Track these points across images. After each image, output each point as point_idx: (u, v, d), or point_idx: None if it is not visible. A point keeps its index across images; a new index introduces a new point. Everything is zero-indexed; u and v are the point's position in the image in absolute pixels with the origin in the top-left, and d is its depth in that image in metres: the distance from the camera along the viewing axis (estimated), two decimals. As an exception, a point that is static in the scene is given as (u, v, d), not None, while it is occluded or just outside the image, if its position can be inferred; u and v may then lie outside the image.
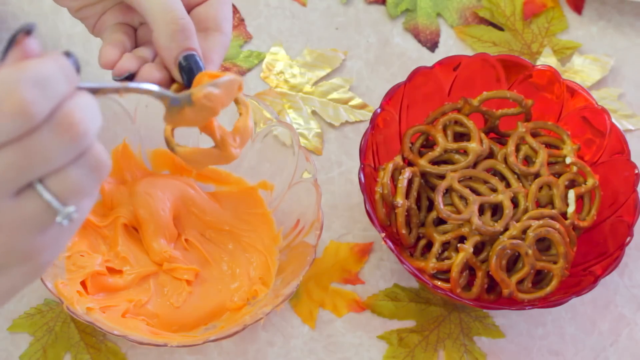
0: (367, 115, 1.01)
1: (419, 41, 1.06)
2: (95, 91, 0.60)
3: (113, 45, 0.81)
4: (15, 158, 0.55)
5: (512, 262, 0.91)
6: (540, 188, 0.92)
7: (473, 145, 0.93)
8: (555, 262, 0.90)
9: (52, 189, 0.57)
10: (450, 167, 0.93)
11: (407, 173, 0.91)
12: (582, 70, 1.05)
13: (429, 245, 0.92)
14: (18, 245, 0.57)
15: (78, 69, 0.58)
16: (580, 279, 0.90)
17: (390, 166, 0.91)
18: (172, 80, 0.79)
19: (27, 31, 0.57)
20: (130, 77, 0.79)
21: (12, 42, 0.57)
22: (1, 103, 0.54)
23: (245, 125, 0.77)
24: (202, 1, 0.81)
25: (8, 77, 0.54)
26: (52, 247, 0.59)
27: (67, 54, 0.58)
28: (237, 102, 0.78)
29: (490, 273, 0.90)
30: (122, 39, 0.81)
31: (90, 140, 0.57)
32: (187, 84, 0.78)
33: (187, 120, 0.74)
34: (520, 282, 0.90)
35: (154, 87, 0.69)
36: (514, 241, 0.89)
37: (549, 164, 0.94)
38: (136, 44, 0.83)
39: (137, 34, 0.83)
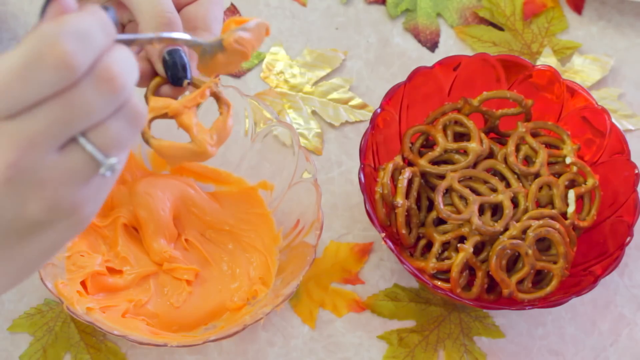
0: (367, 115, 1.01)
1: (419, 41, 1.06)
2: (129, 43, 0.61)
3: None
4: (59, 112, 0.56)
5: (512, 262, 0.91)
6: (540, 188, 0.92)
7: (473, 145, 0.93)
8: (555, 262, 0.90)
9: (95, 141, 0.57)
10: (450, 167, 0.93)
11: (407, 173, 0.91)
12: (582, 70, 1.05)
13: (429, 245, 0.92)
14: (64, 199, 0.57)
15: (116, 23, 0.59)
16: (580, 279, 0.90)
17: (390, 166, 0.91)
18: (154, 74, 0.79)
19: None
20: None
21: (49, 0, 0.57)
22: (44, 56, 0.55)
23: (224, 124, 0.77)
24: (192, 0, 0.81)
25: (49, 30, 0.55)
26: (94, 200, 0.59)
27: (105, 8, 0.58)
28: (218, 100, 0.78)
29: (490, 273, 0.90)
30: None
31: (129, 92, 0.58)
32: (171, 79, 0.77)
33: (220, 67, 0.75)
34: (520, 282, 0.90)
35: (186, 36, 0.71)
36: (514, 241, 0.89)
37: (549, 164, 0.94)
38: None
39: (124, 31, 0.83)
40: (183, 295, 0.91)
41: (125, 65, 0.58)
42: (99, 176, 0.58)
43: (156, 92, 0.78)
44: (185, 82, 0.77)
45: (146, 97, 0.78)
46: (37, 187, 0.57)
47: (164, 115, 0.77)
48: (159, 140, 0.76)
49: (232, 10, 1.05)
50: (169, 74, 0.77)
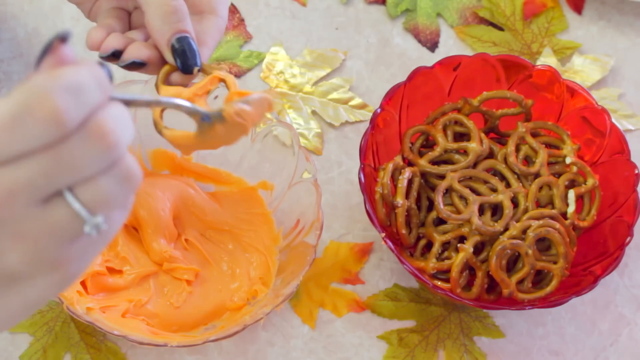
0: (367, 115, 1.01)
1: (419, 41, 1.06)
2: (127, 103, 0.60)
3: (100, 28, 0.80)
4: (45, 165, 0.54)
5: (512, 262, 0.91)
6: (540, 188, 0.92)
7: (473, 145, 0.93)
8: (555, 262, 0.90)
9: (81, 198, 0.56)
10: (450, 167, 0.93)
11: (407, 173, 0.91)
12: (582, 70, 1.05)
13: (429, 245, 0.92)
14: (44, 254, 0.56)
15: (111, 79, 0.57)
16: (580, 279, 0.90)
17: (390, 166, 0.91)
18: (164, 62, 0.79)
19: (62, 38, 0.56)
20: (117, 55, 0.79)
21: (47, 49, 0.56)
22: (34, 109, 0.53)
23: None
24: None
25: (42, 83, 0.54)
26: (80, 259, 0.58)
27: (101, 64, 0.57)
28: (228, 86, 0.78)
29: (490, 273, 0.90)
30: (111, 23, 0.81)
31: (122, 150, 0.56)
32: (182, 67, 0.77)
33: (218, 139, 0.73)
34: (520, 282, 0.90)
35: (186, 103, 0.69)
36: (514, 241, 0.89)
37: (549, 164, 0.94)
38: (130, 29, 0.83)
39: (131, 18, 0.83)
40: (183, 295, 0.91)
41: (119, 122, 0.56)
42: (85, 235, 0.56)
43: (166, 81, 0.79)
44: (196, 69, 0.77)
45: (157, 86, 0.79)
46: (17, 238, 0.55)
47: None
48: (171, 130, 0.76)
49: (232, 10, 1.05)
50: (179, 61, 0.77)
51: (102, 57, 0.79)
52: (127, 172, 0.57)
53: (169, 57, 0.78)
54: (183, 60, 0.77)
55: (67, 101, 0.54)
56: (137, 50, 0.78)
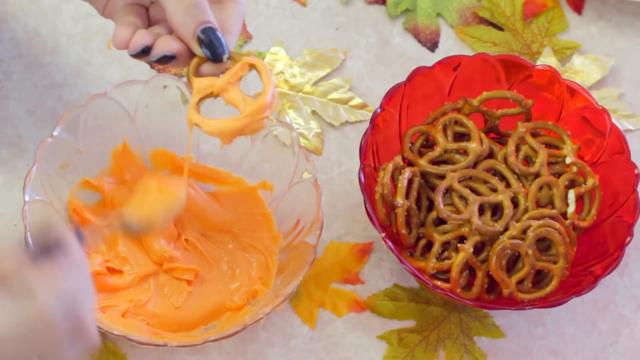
0: (367, 115, 1.01)
1: (419, 41, 1.06)
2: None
3: (126, 25, 0.81)
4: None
5: (512, 262, 0.91)
6: (540, 188, 0.92)
7: (473, 145, 0.93)
8: (555, 262, 0.90)
9: None
10: (450, 167, 0.93)
11: (407, 173, 0.91)
12: (582, 70, 1.05)
13: (429, 245, 0.92)
14: None
15: (86, 242, 0.71)
16: (580, 279, 0.90)
17: (390, 166, 0.91)
18: (192, 55, 0.80)
19: (59, 243, 0.68)
20: (146, 51, 0.80)
21: (53, 244, 0.68)
22: (39, 331, 0.66)
23: (270, 93, 0.79)
24: None
25: (45, 303, 0.66)
26: None
27: (78, 234, 0.70)
28: (259, 70, 0.79)
29: (490, 273, 0.90)
30: (134, 20, 0.82)
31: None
32: (211, 57, 0.79)
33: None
34: (520, 282, 0.90)
35: None
36: (514, 241, 0.89)
37: (549, 164, 0.94)
38: (149, 24, 0.83)
39: (149, 13, 0.84)
40: (183, 295, 0.91)
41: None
42: None
43: (197, 73, 0.80)
44: (225, 57, 0.78)
45: (189, 79, 0.80)
46: None
47: (210, 95, 0.79)
48: (211, 120, 0.77)
49: (232, 10, 1.05)
50: (208, 51, 0.79)
51: (132, 55, 0.80)
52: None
53: (196, 49, 0.79)
54: (211, 50, 0.78)
55: (63, 318, 0.67)
56: (166, 44, 0.79)
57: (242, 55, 0.79)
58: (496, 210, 0.92)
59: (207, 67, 0.80)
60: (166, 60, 0.80)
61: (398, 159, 0.92)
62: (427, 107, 0.95)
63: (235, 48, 0.81)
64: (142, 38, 0.80)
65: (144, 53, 0.80)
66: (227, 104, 0.79)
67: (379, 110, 0.93)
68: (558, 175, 0.94)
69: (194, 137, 0.95)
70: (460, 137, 0.95)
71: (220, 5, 0.81)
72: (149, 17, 0.83)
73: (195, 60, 0.79)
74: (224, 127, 0.78)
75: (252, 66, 0.79)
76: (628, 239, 0.90)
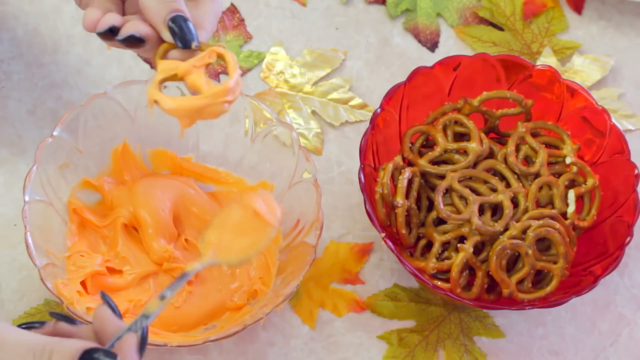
0: (367, 115, 1.01)
1: (419, 41, 1.06)
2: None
3: (96, 8, 0.82)
4: None
5: (512, 262, 0.91)
6: (540, 188, 0.92)
7: (473, 145, 0.93)
8: (555, 262, 0.90)
9: None
10: (450, 167, 0.93)
11: (407, 173, 0.91)
12: (582, 70, 1.05)
13: (429, 245, 0.92)
14: None
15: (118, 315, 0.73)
16: (580, 279, 0.90)
17: (390, 166, 0.91)
18: (161, 42, 0.80)
19: (59, 318, 0.71)
20: (115, 32, 0.80)
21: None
22: None
23: (235, 80, 0.79)
24: None
25: None
26: None
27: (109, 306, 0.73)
28: (225, 60, 0.80)
29: (490, 273, 0.90)
30: (106, 5, 0.82)
31: None
32: (180, 43, 0.79)
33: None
34: (520, 282, 0.90)
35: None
36: (514, 241, 0.89)
37: (549, 164, 0.94)
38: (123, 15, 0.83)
39: (124, 6, 0.84)
40: (183, 295, 0.91)
41: None
42: None
43: (164, 58, 0.80)
44: (194, 44, 0.79)
45: (155, 62, 0.80)
46: None
47: (174, 77, 0.80)
48: (170, 98, 0.78)
49: (232, 10, 1.05)
50: (177, 38, 0.79)
51: (99, 34, 0.80)
52: None
53: (166, 35, 0.79)
54: (181, 36, 0.79)
55: None
56: (135, 26, 0.80)
57: (213, 46, 0.80)
58: (496, 210, 0.92)
59: (175, 53, 0.80)
60: (134, 41, 0.80)
61: (398, 159, 0.92)
62: (427, 107, 0.95)
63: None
64: (111, 18, 0.80)
65: (111, 33, 0.80)
66: (189, 88, 0.79)
67: (379, 110, 0.93)
68: (558, 175, 0.94)
69: (194, 136, 0.95)
70: (460, 137, 0.95)
71: (196, 3, 0.82)
72: (124, 10, 0.84)
73: (163, 46, 0.80)
74: (182, 105, 0.78)
75: (219, 55, 0.80)
76: (628, 239, 0.90)
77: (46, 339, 0.68)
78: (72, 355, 0.67)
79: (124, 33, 0.80)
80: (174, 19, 0.79)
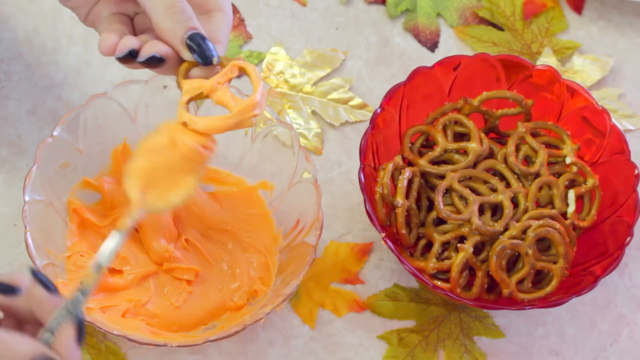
0: (367, 115, 1.01)
1: (419, 41, 1.06)
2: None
3: (112, 32, 0.81)
4: None
5: (512, 262, 0.91)
6: (540, 188, 0.92)
7: (473, 145, 0.93)
8: (555, 262, 0.90)
9: None
10: (450, 167, 0.93)
11: (407, 173, 0.91)
12: (582, 70, 1.05)
13: (429, 245, 0.92)
14: None
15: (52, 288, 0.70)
16: (580, 279, 0.90)
17: (390, 166, 0.91)
18: (180, 61, 0.80)
19: (39, 280, 0.70)
20: (134, 55, 0.80)
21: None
22: None
23: (260, 93, 0.79)
24: None
25: None
26: None
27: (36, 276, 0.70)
28: (248, 73, 0.80)
29: (490, 273, 0.90)
30: (120, 27, 0.82)
31: None
32: (201, 60, 0.79)
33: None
34: (520, 282, 0.90)
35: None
36: (514, 241, 0.89)
37: (549, 164, 0.94)
38: (134, 34, 0.83)
39: (133, 23, 0.84)
40: (183, 295, 0.91)
41: None
42: None
43: (186, 77, 0.80)
44: (214, 59, 0.79)
45: (178, 83, 0.80)
46: None
47: (199, 96, 0.80)
48: (200, 118, 0.78)
49: (232, 10, 1.05)
50: (197, 55, 0.79)
51: (119, 59, 0.80)
52: None
53: (186, 54, 0.79)
54: (201, 53, 0.79)
55: None
56: (155, 46, 0.80)
57: (231, 60, 0.80)
58: (496, 210, 0.92)
59: (196, 71, 0.80)
60: (155, 62, 0.79)
61: (398, 159, 0.92)
62: (427, 107, 0.95)
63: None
64: (129, 41, 0.80)
65: (131, 56, 0.80)
66: (216, 104, 0.79)
67: (379, 110, 0.93)
68: (558, 175, 0.94)
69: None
70: (460, 137, 0.95)
71: (208, 16, 0.82)
72: (134, 27, 0.83)
73: (184, 65, 0.80)
74: (213, 125, 0.78)
75: (241, 69, 0.80)
76: (628, 239, 0.90)
77: None
78: None
79: (144, 55, 0.79)
80: (191, 37, 0.78)
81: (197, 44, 0.78)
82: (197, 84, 0.79)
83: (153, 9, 0.79)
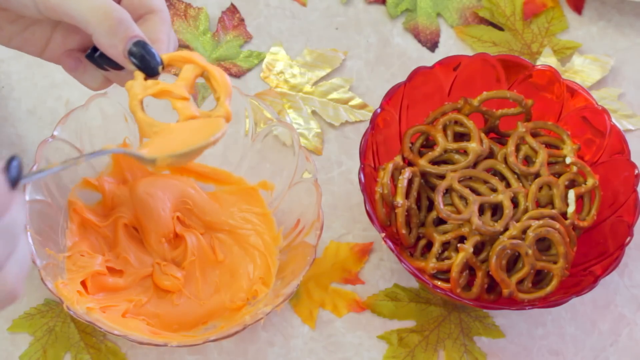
0: (367, 115, 1.01)
1: (419, 41, 1.06)
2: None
3: (91, 79, 0.83)
4: None
5: (512, 262, 0.91)
6: (540, 188, 0.92)
7: (473, 145, 0.93)
8: (555, 262, 0.90)
9: None
10: (450, 167, 0.93)
11: (407, 173, 0.91)
12: (582, 70, 1.05)
13: (429, 245, 0.92)
14: None
15: (20, 174, 0.63)
16: (580, 279, 0.90)
17: (390, 166, 0.91)
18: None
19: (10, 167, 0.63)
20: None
21: None
22: None
23: (222, 80, 0.80)
24: None
25: None
26: None
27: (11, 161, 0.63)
28: (208, 80, 0.80)
29: (490, 273, 0.90)
30: (95, 72, 0.83)
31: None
32: (145, 71, 0.79)
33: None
34: (520, 282, 0.90)
35: (120, 150, 0.77)
36: (514, 241, 0.89)
37: (549, 164, 0.94)
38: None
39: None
40: (183, 295, 0.91)
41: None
42: None
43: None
44: (159, 68, 0.78)
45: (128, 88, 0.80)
46: None
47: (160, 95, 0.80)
48: (171, 150, 0.78)
49: (232, 10, 1.05)
50: (142, 68, 0.78)
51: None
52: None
53: (129, 65, 0.78)
54: (145, 65, 0.78)
55: None
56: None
57: (176, 55, 0.79)
58: (496, 210, 0.92)
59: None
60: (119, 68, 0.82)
61: (398, 159, 0.92)
62: (427, 107, 0.96)
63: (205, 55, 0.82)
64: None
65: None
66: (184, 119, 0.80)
67: (379, 110, 0.93)
68: (558, 175, 0.94)
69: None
70: (460, 137, 0.95)
71: (143, 20, 0.81)
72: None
73: (139, 76, 0.80)
74: (181, 153, 0.78)
75: (203, 68, 0.80)
76: (628, 239, 0.90)
77: None
78: None
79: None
80: (132, 51, 0.78)
81: (140, 57, 0.78)
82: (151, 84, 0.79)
83: (88, 25, 0.78)
